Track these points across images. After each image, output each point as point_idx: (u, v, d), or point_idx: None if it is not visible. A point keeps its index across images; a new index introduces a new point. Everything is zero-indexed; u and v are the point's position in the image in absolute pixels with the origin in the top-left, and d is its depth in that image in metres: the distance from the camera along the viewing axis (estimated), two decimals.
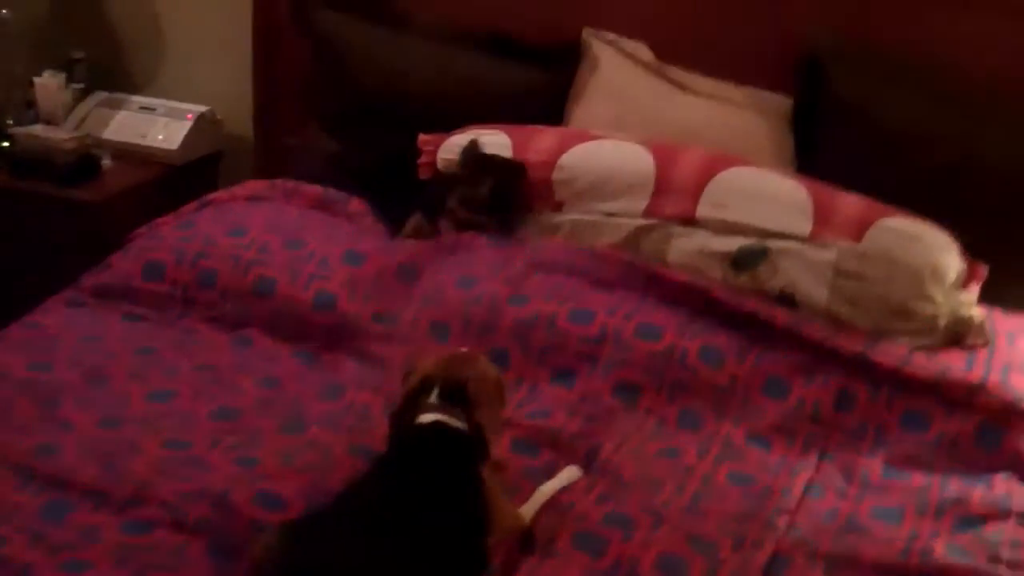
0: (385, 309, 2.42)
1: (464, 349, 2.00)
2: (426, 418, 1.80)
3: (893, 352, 2.24)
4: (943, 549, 1.84)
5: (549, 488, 1.94)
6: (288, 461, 1.96)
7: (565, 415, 2.18)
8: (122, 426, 2.05)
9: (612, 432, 2.14)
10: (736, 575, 1.76)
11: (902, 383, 2.19)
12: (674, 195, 2.52)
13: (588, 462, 2.05)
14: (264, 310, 2.43)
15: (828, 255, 2.37)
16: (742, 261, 2.42)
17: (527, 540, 1.83)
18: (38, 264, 3.03)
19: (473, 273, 2.46)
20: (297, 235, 2.58)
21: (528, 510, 1.88)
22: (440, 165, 2.72)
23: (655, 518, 1.87)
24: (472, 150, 2.65)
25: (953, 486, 2.03)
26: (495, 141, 2.68)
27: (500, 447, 1.90)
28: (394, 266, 2.50)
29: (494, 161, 2.63)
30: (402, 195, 2.71)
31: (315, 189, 2.84)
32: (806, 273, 2.37)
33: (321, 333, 2.40)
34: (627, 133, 2.70)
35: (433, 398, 1.81)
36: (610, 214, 2.56)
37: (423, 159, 2.75)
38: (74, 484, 1.86)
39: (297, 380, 2.27)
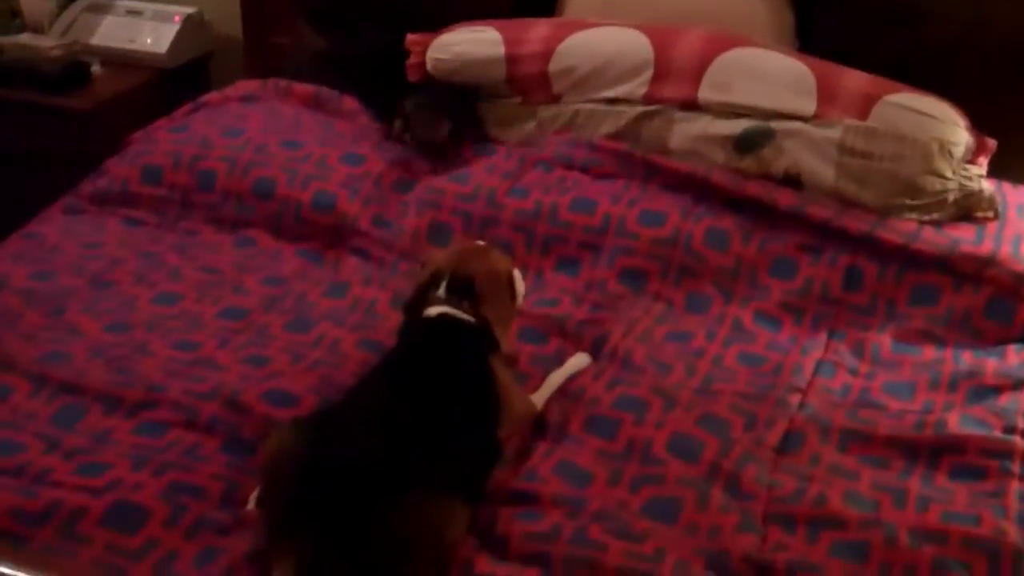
0: (384, 213, 2.39)
1: (479, 242, 1.98)
2: (433, 311, 1.80)
3: (901, 228, 2.22)
4: (957, 420, 1.84)
5: (559, 375, 1.95)
6: (297, 359, 1.96)
7: (572, 303, 2.17)
8: (130, 330, 2.04)
9: (619, 318, 2.13)
10: (749, 454, 1.77)
11: (911, 258, 2.17)
12: (674, 78, 2.47)
13: (596, 348, 2.05)
14: (264, 210, 2.41)
15: (834, 133, 2.34)
16: (746, 143, 2.39)
17: (539, 426, 1.83)
18: (30, 174, 2.99)
19: (468, 171, 2.44)
20: (294, 136, 2.55)
21: (540, 397, 1.88)
22: (429, 66, 2.66)
23: (666, 400, 1.87)
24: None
25: (966, 359, 2.03)
26: (484, 37, 2.62)
27: (510, 339, 1.89)
28: (391, 171, 2.48)
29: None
30: (392, 93, 2.65)
31: (307, 88, 2.79)
32: (812, 152, 2.34)
33: (322, 232, 2.38)
34: (621, 19, 2.63)
35: (441, 291, 1.82)
36: (610, 101, 2.51)
37: (412, 60, 2.69)
38: (86, 389, 1.85)
39: (302, 278, 2.26)
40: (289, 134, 2.55)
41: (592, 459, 1.74)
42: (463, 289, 1.81)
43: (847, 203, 2.30)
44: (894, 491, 1.70)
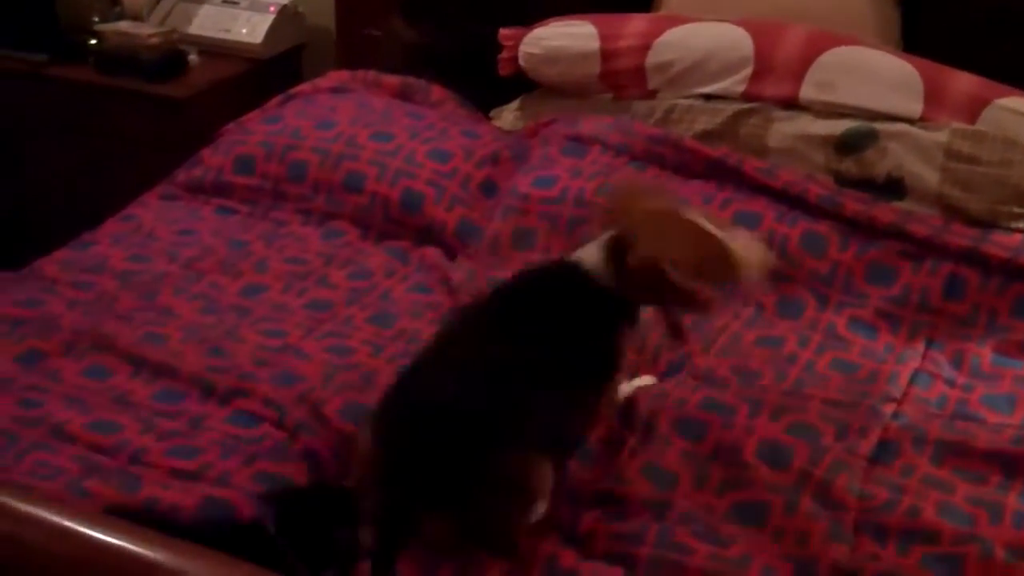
0: (471, 218, 2.38)
1: (696, 219, 1.66)
2: (575, 255, 1.67)
3: (1006, 243, 2.14)
4: None
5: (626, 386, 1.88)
6: (377, 352, 1.96)
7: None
8: (222, 316, 2.06)
9: (709, 321, 2.09)
10: (841, 463, 1.71)
11: (1016, 271, 2.10)
12: (775, 76, 2.41)
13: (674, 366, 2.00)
14: (353, 204, 2.41)
15: (940, 136, 2.26)
16: (848, 144, 2.32)
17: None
18: (127, 160, 3.05)
19: (554, 173, 2.40)
20: (384, 127, 2.55)
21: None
22: (521, 60, 2.64)
23: (754, 405, 1.82)
24: None
25: None
26: (579, 31, 2.59)
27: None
28: (479, 171, 2.46)
29: None
30: (484, 88, 2.65)
31: (396, 79, 2.80)
32: (916, 155, 2.27)
33: (409, 232, 2.38)
34: (722, 15, 2.59)
35: (598, 242, 1.66)
36: (707, 97, 2.47)
37: (504, 54, 2.68)
38: (182, 372, 1.87)
39: (387, 275, 2.26)
40: (379, 126, 2.55)
41: (679, 461, 1.71)
42: (619, 252, 1.63)
43: (951, 209, 2.23)
44: (990, 505, 1.64)
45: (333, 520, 1.53)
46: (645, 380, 1.94)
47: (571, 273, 1.66)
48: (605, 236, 1.67)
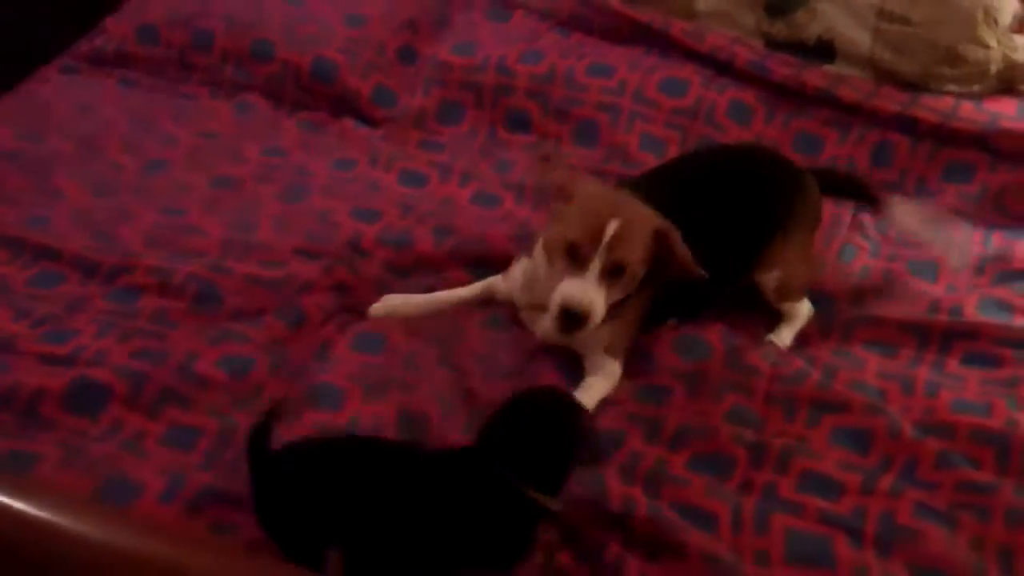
0: (388, 86, 2.27)
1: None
2: None
3: (937, 106, 2.07)
4: (975, 306, 1.73)
5: None
6: (285, 227, 1.88)
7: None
8: (116, 196, 1.97)
9: None
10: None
11: (946, 136, 2.03)
12: None
13: None
14: (264, 74, 2.29)
15: None
16: (778, 6, 2.22)
17: None
18: (33, 33, 2.88)
19: (477, 40, 2.30)
20: None
21: None
22: None
23: None
24: None
25: (995, 240, 1.90)
26: None
27: None
28: (396, 37, 2.34)
29: None
30: None
31: None
32: (847, 17, 2.17)
33: (324, 102, 2.27)
34: None
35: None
36: None
37: None
38: (64, 254, 1.79)
39: (303, 149, 2.16)
40: None
41: None
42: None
43: (882, 72, 2.15)
44: (902, 379, 1.60)
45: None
46: None
47: None
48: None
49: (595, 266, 1.50)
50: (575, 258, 1.51)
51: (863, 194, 1.93)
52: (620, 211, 1.51)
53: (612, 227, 1.49)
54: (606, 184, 1.73)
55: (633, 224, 1.51)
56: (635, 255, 1.51)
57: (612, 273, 1.51)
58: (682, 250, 1.54)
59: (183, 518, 1.34)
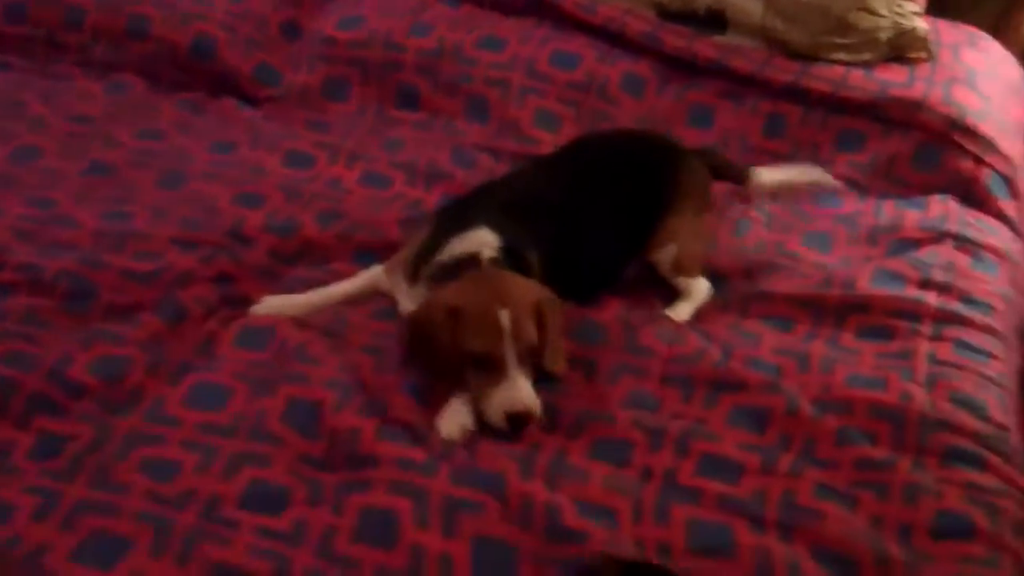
0: (271, 63, 2.20)
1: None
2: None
3: (828, 75, 2.06)
4: (869, 277, 1.73)
5: None
6: (162, 215, 1.79)
7: (490, 160, 2.02)
8: None
9: None
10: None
11: (837, 104, 2.03)
12: None
13: None
14: (139, 53, 2.19)
15: None
16: None
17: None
18: None
19: (361, 13, 2.23)
20: None
21: None
22: None
23: None
24: None
25: (887, 210, 1.90)
26: None
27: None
28: (278, 11, 2.27)
29: None
30: None
31: None
32: None
33: (203, 81, 2.18)
34: None
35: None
36: None
37: None
38: None
39: (181, 131, 2.06)
40: None
41: None
42: None
43: (773, 41, 2.14)
44: (797, 355, 1.59)
45: None
46: None
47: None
48: None
49: (512, 361, 1.44)
50: (487, 365, 1.44)
51: (731, 172, 1.93)
52: (502, 298, 1.45)
53: (505, 317, 1.43)
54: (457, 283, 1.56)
55: (518, 302, 1.45)
56: (533, 329, 1.46)
57: (526, 358, 1.46)
58: (557, 321, 1.50)
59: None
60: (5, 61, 2.23)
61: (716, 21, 2.17)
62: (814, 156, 2.02)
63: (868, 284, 1.71)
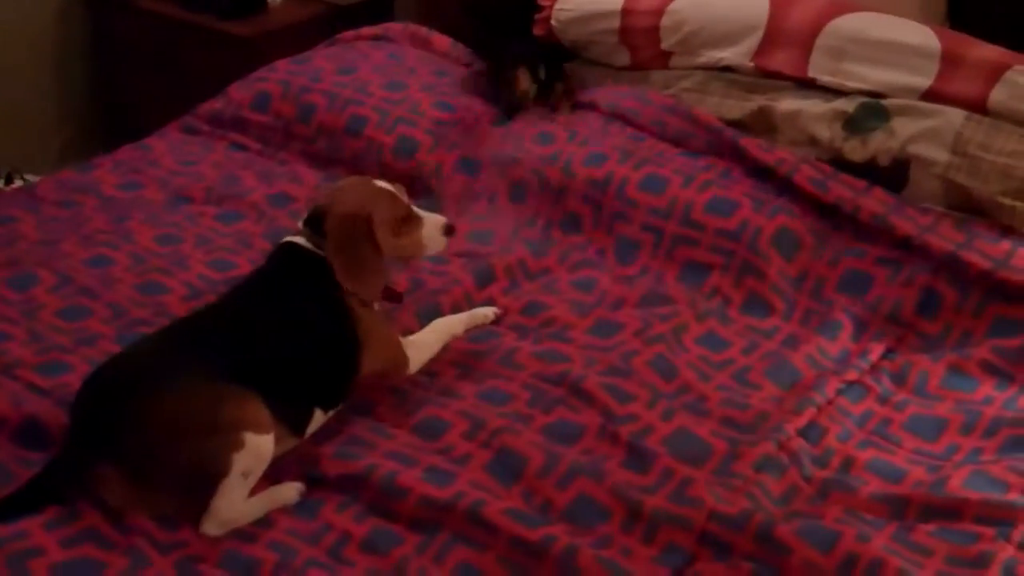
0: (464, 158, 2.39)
1: (376, 181, 1.81)
2: (285, 239, 1.77)
3: (989, 251, 1.94)
4: (967, 476, 1.60)
5: (449, 322, 1.91)
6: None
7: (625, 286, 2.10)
8: (180, 244, 2.15)
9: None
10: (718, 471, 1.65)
11: (995, 287, 1.91)
12: (785, 42, 2.30)
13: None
14: (351, 148, 2.44)
15: (953, 119, 2.10)
16: (857, 123, 2.17)
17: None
18: (197, 96, 3.16)
19: (552, 131, 2.38)
20: (402, 78, 2.55)
21: (423, 344, 1.85)
22: (554, 19, 2.58)
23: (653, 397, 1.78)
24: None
25: (1020, 403, 1.76)
26: None
27: (369, 287, 1.76)
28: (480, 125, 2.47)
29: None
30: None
31: (446, 39, 2.78)
32: (925, 140, 2.11)
33: (402, 180, 2.36)
34: None
35: (300, 223, 1.77)
36: (722, 69, 2.37)
37: (541, 14, 2.62)
38: (99, 295, 1.97)
39: None
40: (399, 76, 2.55)
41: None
42: (318, 223, 1.74)
43: (952, 187, 2.07)
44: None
45: None
46: (484, 312, 1.97)
47: (292, 253, 1.74)
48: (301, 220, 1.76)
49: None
50: (408, 219, 1.77)
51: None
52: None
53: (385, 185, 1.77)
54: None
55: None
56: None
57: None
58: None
59: None
60: (243, 143, 2.54)
61: (899, 172, 2.13)
62: (964, 341, 1.90)
63: (962, 485, 1.59)
